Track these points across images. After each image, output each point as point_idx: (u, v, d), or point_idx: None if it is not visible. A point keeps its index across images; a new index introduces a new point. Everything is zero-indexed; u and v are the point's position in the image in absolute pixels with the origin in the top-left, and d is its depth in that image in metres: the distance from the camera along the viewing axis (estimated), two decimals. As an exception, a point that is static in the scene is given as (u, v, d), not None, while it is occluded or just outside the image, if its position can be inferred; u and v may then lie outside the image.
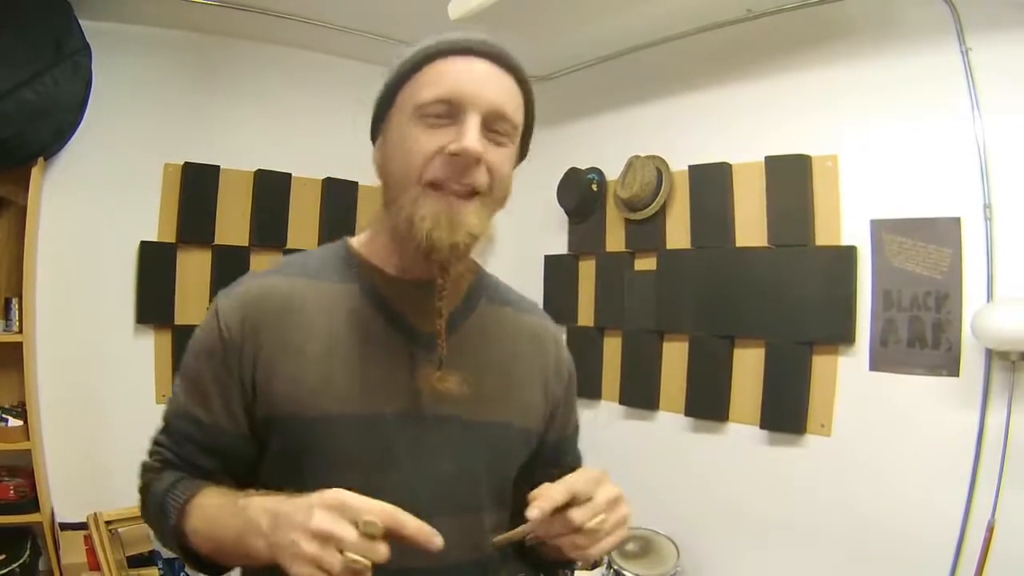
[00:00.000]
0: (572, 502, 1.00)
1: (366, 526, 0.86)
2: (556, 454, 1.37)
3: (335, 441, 1.09)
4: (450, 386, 1.12)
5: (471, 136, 1.04)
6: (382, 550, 0.86)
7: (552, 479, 1.25)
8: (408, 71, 1.11)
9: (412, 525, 0.89)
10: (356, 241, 1.25)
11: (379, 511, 0.87)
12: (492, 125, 1.08)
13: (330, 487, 0.94)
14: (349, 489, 0.98)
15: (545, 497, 0.97)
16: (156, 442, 1.19)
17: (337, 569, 0.84)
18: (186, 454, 1.14)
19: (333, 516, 0.86)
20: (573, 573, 3.81)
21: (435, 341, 1.13)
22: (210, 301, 3.40)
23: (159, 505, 1.10)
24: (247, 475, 1.15)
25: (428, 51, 1.09)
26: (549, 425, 1.33)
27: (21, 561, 3.18)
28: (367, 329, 1.15)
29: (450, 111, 1.06)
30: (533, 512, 0.96)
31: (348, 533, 0.85)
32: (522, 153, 1.23)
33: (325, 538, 0.85)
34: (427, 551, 0.89)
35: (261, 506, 0.96)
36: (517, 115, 1.14)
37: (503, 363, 1.25)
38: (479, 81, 1.07)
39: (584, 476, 1.04)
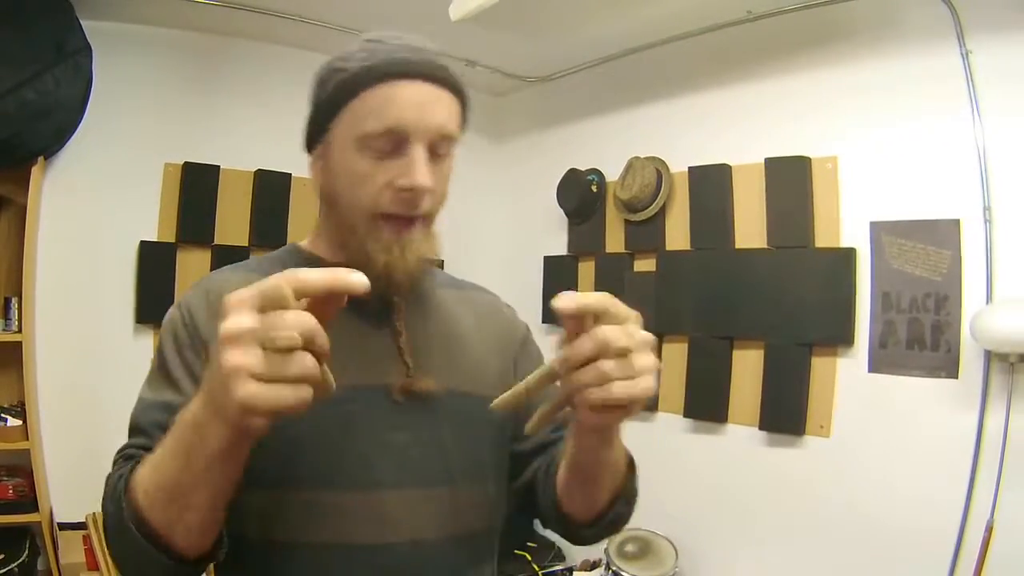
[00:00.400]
0: (596, 317, 0.84)
1: (272, 341, 0.71)
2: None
3: (316, 412, 0.97)
4: (426, 385, 1.13)
5: (421, 171, 1.05)
6: (302, 317, 0.72)
7: (547, 442, 1.28)
8: (347, 94, 1.09)
9: (316, 277, 0.74)
10: (304, 243, 1.27)
11: (277, 282, 0.73)
12: (436, 148, 1.10)
13: (292, 458, 0.95)
14: (308, 458, 1.03)
15: (567, 299, 0.80)
16: (121, 451, 1.07)
17: (261, 363, 0.70)
18: (156, 440, 0.97)
19: (233, 314, 0.72)
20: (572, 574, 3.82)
21: (390, 320, 1.16)
22: None
23: (110, 495, 0.96)
24: None
25: (371, 73, 1.07)
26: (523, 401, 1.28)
27: (20, 561, 3.17)
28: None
29: (395, 143, 1.06)
30: (560, 303, 0.79)
31: (252, 320, 0.71)
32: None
33: (234, 338, 0.71)
34: (356, 293, 0.75)
35: (191, 405, 0.83)
36: (456, 129, 1.13)
37: (454, 337, 1.25)
38: (422, 108, 1.07)
39: (593, 297, 0.84)
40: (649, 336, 0.87)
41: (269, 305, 0.71)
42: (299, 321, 0.71)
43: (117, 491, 0.93)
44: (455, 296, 1.33)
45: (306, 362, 0.72)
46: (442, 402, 1.17)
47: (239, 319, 0.71)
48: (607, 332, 0.82)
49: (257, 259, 1.28)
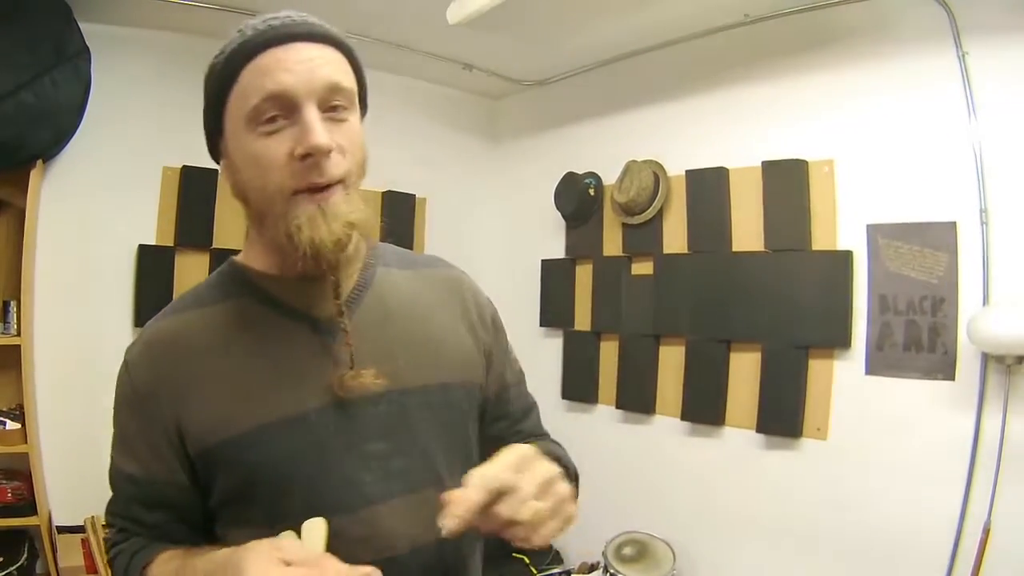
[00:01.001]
0: (499, 493, 0.91)
1: None
2: (500, 406, 1.33)
3: (269, 449, 1.05)
4: (365, 380, 1.08)
5: (315, 131, 0.99)
6: None
7: (506, 434, 1.31)
8: (227, 79, 1.05)
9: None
10: (240, 256, 1.20)
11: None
12: (329, 102, 1.03)
13: (279, 497, 0.99)
14: (295, 492, 1.04)
15: (457, 502, 0.88)
16: (108, 512, 1.16)
17: None
18: (134, 515, 1.11)
19: None
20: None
21: (339, 327, 1.11)
22: None
23: None
24: (200, 520, 1.13)
25: (235, 55, 1.04)
26: (488, 375, 1.29)
27: (19, 564, 3.16)
28: (269, 334, 1.11)
29: (282, 109, 1.00)
30: (448, 524, 0.88)
31: None
32: (363, 109, 1.17)
33: None
34: None
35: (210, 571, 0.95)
36: (349, 81, 1.07)
37: (415, 327, 1.20)
38: (297, 66, 1.01)
39: (505, 461, 0.95)
40: (547, 474, 0.96)
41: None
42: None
43: None
44: (408, 277, 1.26)
45: None
46: (414, 400, 1.14)
47: None
48: (501, 511, 0.90)
49: (195, 290, 1.20)
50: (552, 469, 0.97)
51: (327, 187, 1.01)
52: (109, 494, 1.16)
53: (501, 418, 1.32)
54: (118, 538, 1.13)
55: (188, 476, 1.08)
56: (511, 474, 0.93)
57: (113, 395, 1.14)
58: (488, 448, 1.15)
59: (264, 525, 0.99)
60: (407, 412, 1.13)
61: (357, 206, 1.05)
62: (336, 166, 1.02)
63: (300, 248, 1.00)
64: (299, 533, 0.97)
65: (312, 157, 0.99)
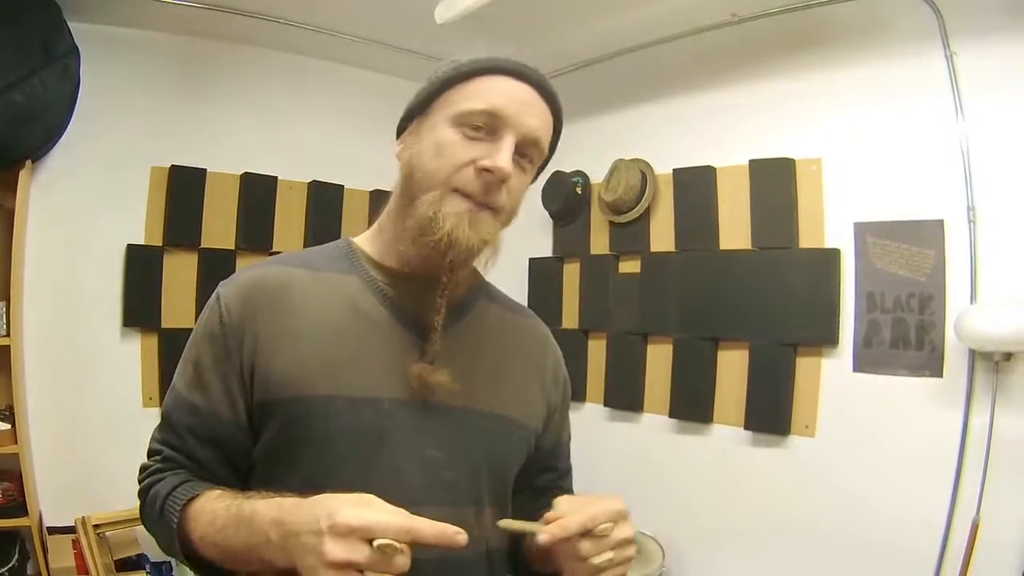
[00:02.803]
0: (588, 532, 0.99)
1: (381, 548, 0.83)
2: (551, 459, 1.37)
3: (332, 421, 1.07)
4: (440, 379, 1.11)
5: (505, 156, 1.07)
6: (400, 562, 0.84)
7: (552, 486, 1.34)
8: (455, 79, 1.12)
9: (429, 531, 0.86)
10: (359, 239, 1.26)
11: (394, 529, 0.84)
12: (523, 149, 1.11)
13: (326, 471, 0.99)
14: (343, 471, 1.05)
15: (560, 525, 0.98)
16: (155, 440, 1.16)
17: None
18: (187, 446, 1.12)
19: (346, 544, 0.83)
20: None
21: (434, 326, 1.14)
22: (197, 304, 3.36)
23: (159, 510, 1.07)
24: (246, 468, 1.14)
25: (479, 65, 1.12)
26: (546, 428, 1.32)
27: (10, 565, 3.12)
28: (369, 318, 1.15)
29: (489, 126, 1.08)
30: (543, 537, 0.97)
31: (364, 556, 0.82)
32: (549, 156, 1.24)
33: (342, 566, 0.82)
34: (453, 548, 0.87)
35: (266, 517, 0.93)
36: (545, 142, 1.16)
37: (500, 360, 1.26)
38: (522, 104, 1.10)
39: (606, 507, 1.02)
40: (630, 534, 1.05)
41: (380, 549, 0.83)
42: (396, 568, 0.84)
43: (166, 513, 1.05)
44: (506, 317, 1.34)
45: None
46: (479, 423, 1.18)
47: (358, 553, 0.82)
48: (585, 548, 1.00)
49: (305, 252, 1.27)
50: (632, 531, 1.05)
51: (482, 206, 1.09)
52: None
53: (549, 470, 1.37)
54: (161, 466, 1.13)
55: (246, 419, 1.12)
56: (608, 519, 1.01)
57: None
58: (528, 496, 1.28)
59: (298, 491, 0.97)
60: (471, 431, 1.17)
61: (496, 234, 1.12)
62: (500, 195, 1.10)
63: (437, 235, 1.06)
64: None
65: (490, 174, 1.07)
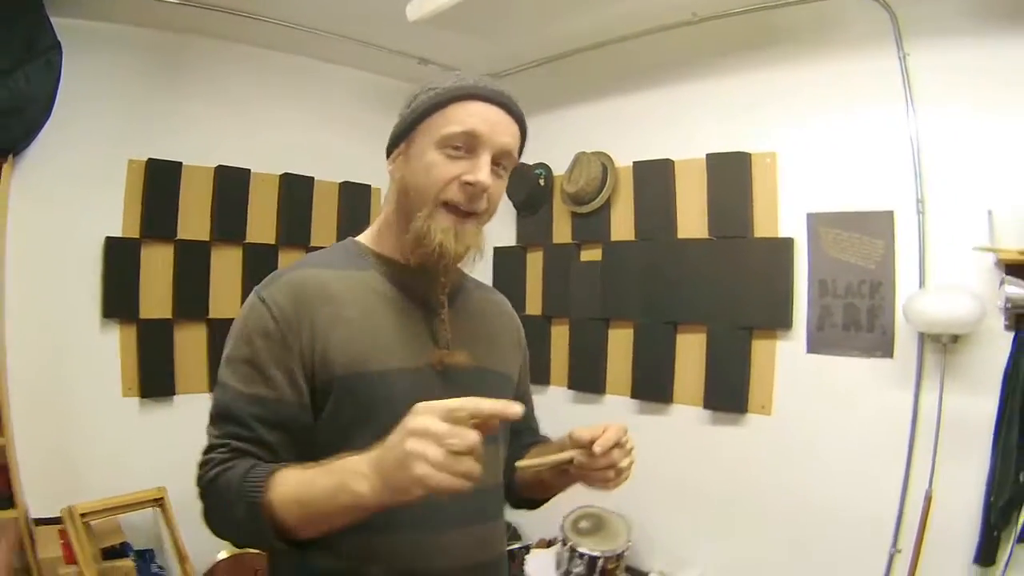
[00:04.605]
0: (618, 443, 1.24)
1: (453, 414, 0.95)
2: (526, 414, 1.51)
3: (394, 389, 1.21)
4: (458, 360, 1.30)
5: (484, 172, 1.24)
6: (473, 435, 0.94)
7: (525, 428, 1.55)
8: (434, 107, 1.26)
9: (489, 407, 0.97)
10: (363, 238, 1.41)
11: (463, 404, 0.96)
12: (498, 160, 1.27)
13: (385, 431, 1.01)
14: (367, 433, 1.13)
15: (603, 442, 1.20)
16: (216, 436, 1.20)
17: (441, 457, 0.92)
18: (256, 433, 1.18)
19: (424, 418, 0.95)
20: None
21: (440, 310, 1.34)
22: (173, 295, 3.28)
23: (236, 491, 1.11)
24: (308, 450, 1.20)
25: (454, 93, 1.26)
26: (519, 381, 1.55)
27: (-2, 557, 2.99)
28: (392, 303, 1.31)
29: (468, 145, 1.24)
30: (597, 448, 1.20)
31: (441, 427, 0.93)
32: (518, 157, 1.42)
33: (423, 434, 0.93)
34: (510, 419, 1.01)
35: (357, 458, 1.03)
36: (517, 153, 1.34)
37: (488, 330, 1.47)
38: (494, 124, 1.26)
39: (621, 426, 1.26)
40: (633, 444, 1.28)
41: (451, 419, 0.94)
42: (471, 437, 0.94)
43: (244, 490, 1.09)
44: (483, 296, 1.54)
45: (469, 464, 0.94)
46: (482, 377, 1.36)
47: (429, 422, 0.94)
48: (617, 456, 1.24)
49: (320, 255, 1.39)
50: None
51: (467, 214, 1.26)
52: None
53: (525, 426, 1.56)
54: (229, 455, 1.17)
55: (309, 400, 1.22)
56: (625, 435, 1.26)
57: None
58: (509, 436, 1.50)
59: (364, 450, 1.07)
60: (485, 383, 1.32)
61: (478, 237, 1.31)
62: (481, 203, 1.27)
63: (431, 246, 1.24)
64: None
65: (472, 187, 1.24)
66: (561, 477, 1.37)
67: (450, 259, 1.25)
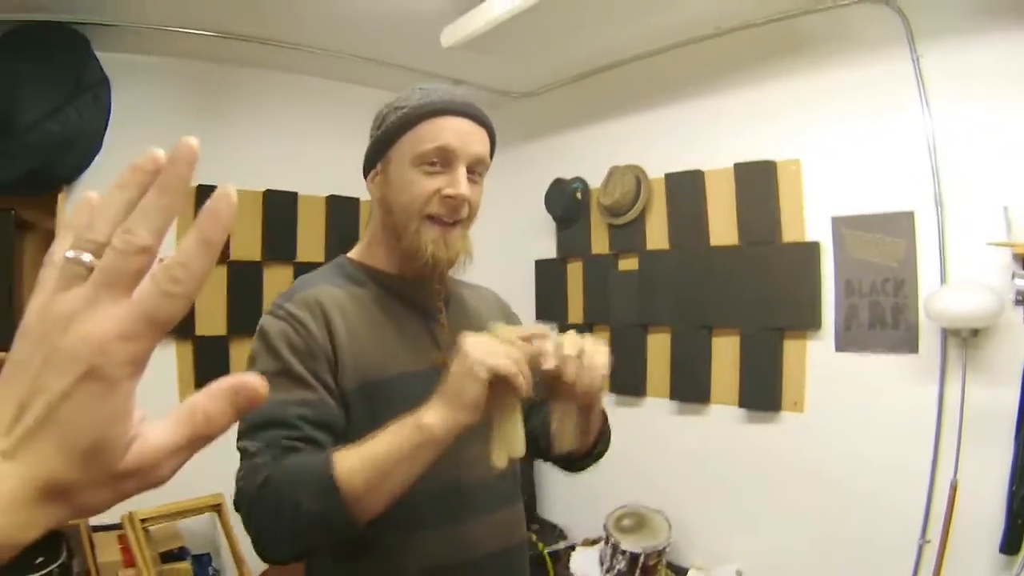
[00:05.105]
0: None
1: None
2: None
3: (409, 391, 1.24)
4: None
5: (462, 183, 1.32)
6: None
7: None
8: (407, 125, 1.33)
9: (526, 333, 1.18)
10: (355, 254, 1.48)
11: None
12: (473, 168, 1.35)
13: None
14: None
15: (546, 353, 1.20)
16: (259, 443, 1.17)
17: (513, 354, 1.11)
18: (304, 432, 1.19)
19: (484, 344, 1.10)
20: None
21: (436, 315, 1.44)
22: (228, 313, 3.66)
23: (292, 480, 1.11)
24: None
25: (424, 110, 1.33)
26: None
27: (59, 562, 3.13)
28: (392, 313, 1.39)
29: (443, 159, 1.32)
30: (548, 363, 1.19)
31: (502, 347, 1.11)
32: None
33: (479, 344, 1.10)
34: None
35: (421, 408, 1.11)
36: (489, 158, 1.41)
37: (480, 323, 1.44)
38: (465, 135, 1.33)
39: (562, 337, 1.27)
40: (588, 338, 1.26)
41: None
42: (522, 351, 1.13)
43: (303, 475, 1.10)
44: (471, 293, 1.62)
45: (521, 365, 1.11)
46: None
47: (495, 346, 1.11)
48: (568, 344, 1.21)
49: (319, 276, 1.43)
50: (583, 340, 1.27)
51: (452, 223, 1.35)
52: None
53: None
54: (279, 453, 1.16)
55: (341, 404, 1.28)
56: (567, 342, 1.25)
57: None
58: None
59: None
60: None
61: (464, 243, 1.39)
62: (463, 211, 1.35)
63: (423, 258, 1.33)
64: None
65: (452, 200, 1.32)
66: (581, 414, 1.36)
67: (443, 267, 1.35)
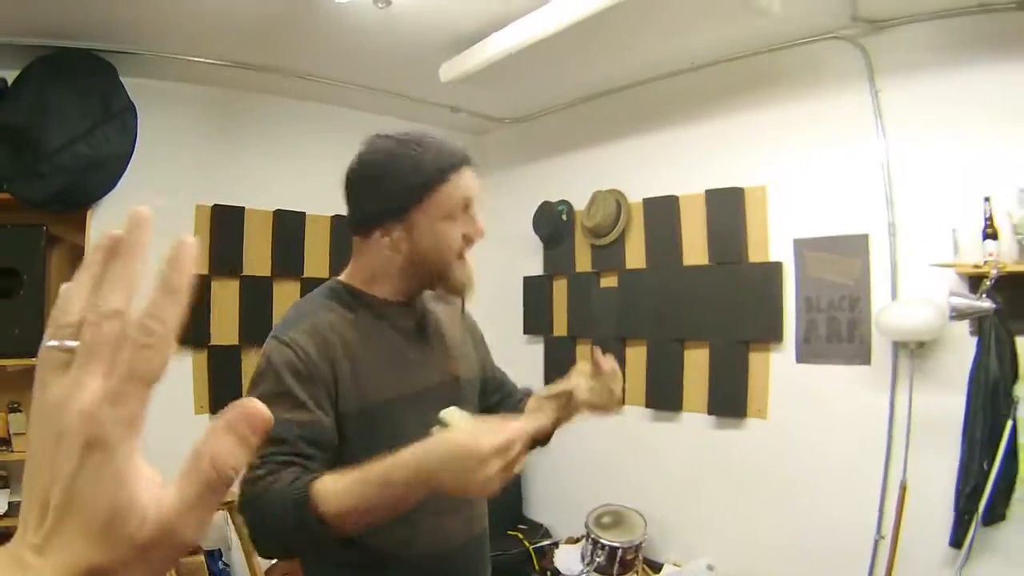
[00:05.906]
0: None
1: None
2: (502, 382, 1.78)
3: (401, 413, 1.38)
4: (445, 380, 1.50)
5: (482, 224, 1.47)
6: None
7: (513, 390, 1.78)
8: (433, 185, 1.39)
9: (533, 431, 1.26)
10: (345, 279, 1.50)
11: (508, 441, 1.15)
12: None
13: (403, 446, 1.17)
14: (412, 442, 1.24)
15: (609, 362, 1.49)
16: (259, 457, 1.23)
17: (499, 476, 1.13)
18: (299, 448, 1.25)
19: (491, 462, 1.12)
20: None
21: (422, 337, 1.52)
22: (240, 325, 3.76)
23: (282, 497, 1.18)
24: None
25: (443, 166, 1.40)
26: (486, 366, 1.73)
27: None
28: (382, 337, 1.45)
29: (465, 207, 1.43)
30: (607, 365, 1.49)
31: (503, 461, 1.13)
32: None
33: (490, 457, 1.11)
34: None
35: (419, 455, 1.14)
36: None
37: (453, 339, 1.60)
38: (475, 183, 1.46)
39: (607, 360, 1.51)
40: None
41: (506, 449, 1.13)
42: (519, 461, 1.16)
43: (291, 493, 1.17)
44: (442, 309, 1.64)
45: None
46: (466, 385, 1.57)
47: (493, 459, 1.11)
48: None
49: (314, 303, 1.47)
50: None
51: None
52: None
53: (499, 389, 1.75)
54: (274, 468, 1.22)
55: (337, 426, 1.35)
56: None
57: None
58: (505, 399, 1.73)
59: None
60: (466, 391, 1.56)
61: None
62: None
63: (462, 291, 1.48)
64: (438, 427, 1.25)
65: (475, 239, 1.46)
66: (564, 410, 1.51)
67: (468, 293, 1.49)
